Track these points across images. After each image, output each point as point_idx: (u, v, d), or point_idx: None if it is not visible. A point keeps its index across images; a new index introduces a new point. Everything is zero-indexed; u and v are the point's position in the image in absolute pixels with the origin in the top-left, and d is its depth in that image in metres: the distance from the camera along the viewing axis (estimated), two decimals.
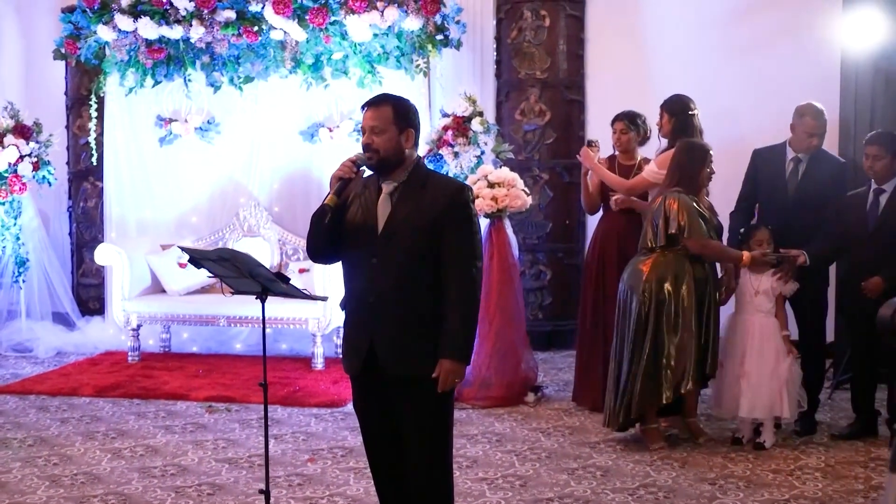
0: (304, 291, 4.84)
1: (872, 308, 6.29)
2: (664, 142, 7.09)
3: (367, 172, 4.24)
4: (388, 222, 4.14)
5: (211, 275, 4.81)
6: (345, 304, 4.34)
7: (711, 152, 6.48)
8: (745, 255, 6.43)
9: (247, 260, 4.57)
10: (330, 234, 4.19)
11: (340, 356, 8.65)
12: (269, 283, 4.58)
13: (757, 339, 6.52)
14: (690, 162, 6.44)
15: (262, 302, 4.66)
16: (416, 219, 4.11)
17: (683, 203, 6.34)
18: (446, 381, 4.10)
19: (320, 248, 4.30)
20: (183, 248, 4.91)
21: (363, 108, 4.27)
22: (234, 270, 4.62)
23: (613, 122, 7.35)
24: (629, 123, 7.31)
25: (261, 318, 8.29)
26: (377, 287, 4.13)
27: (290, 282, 4.59)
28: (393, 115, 4.17)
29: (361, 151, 4.20)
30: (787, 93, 8.15)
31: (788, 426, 6.76)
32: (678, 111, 6.97)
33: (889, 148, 6.49)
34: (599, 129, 8.99)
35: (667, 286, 6.33)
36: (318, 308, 8.41)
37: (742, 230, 6.80)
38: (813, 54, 8.41)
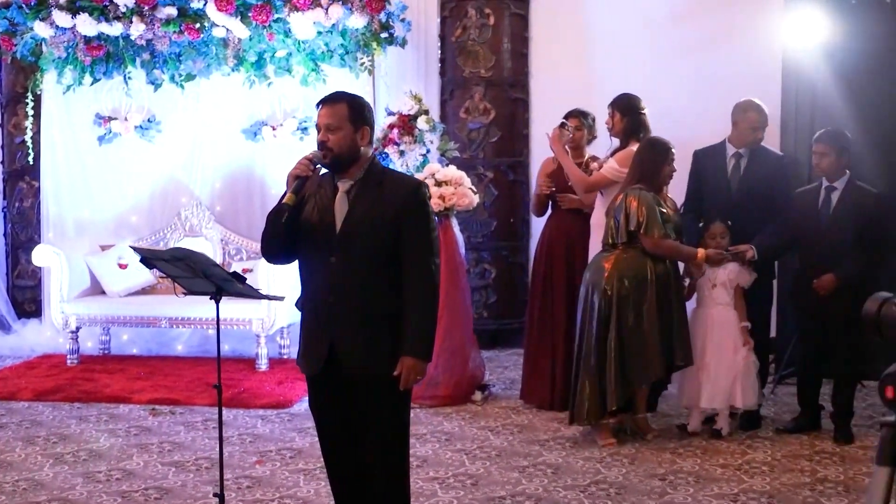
0: (260, 291, 4.76)
1: (823, 305, 6.46)
2: (615, 141, 7.12)
3: (324, 170, 4.19)
4: (346, 221, 4.10)
5: (163, 275, 4.71)
6: (302, 304, 4.28)
7: (673, 150, 6.51)
8: (700, 252, 6.48)
9: (201, 259, 4.50)
10: (286, 233, 4.13)
11: (284, 357, 8.76)
12: (224, 283, 4.52)
13: (716, 332, 6.66)
14: (652, 159, 6.48)
15: (217, 302, 4.59)
16: (374, 217, 4.08)
17: (644, 200, 6.38)
18: (408, 378, 4.08)
19: (276, 248, 4.25)
20: (135, 248, 4.81)
21: (318, 105, 4.21)
22: (188, 270, 4.54)
23: (567, 117, 7.33)
24: (583, 120, 7.32)
25: (202, 319, 8.45)
26: (337, 286, 4.09)
27: (247, 281, 4.51)
28: (348, 112, 4.13)
29: (316, 149, 4.13)
30: (729, 92, 8.18)
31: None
32: (629, 110, 7.01)
33: (835, 145, 6.56)
34: (544, 128, 8.97)
35: (627, 282, 6.37)
36: (263, 309, 8.34)
37: (701, 225, 6.91)
38: (755, 54, 8.47)
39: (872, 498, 2.19)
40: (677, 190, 7.05)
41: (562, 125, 7.22)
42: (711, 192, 7.03)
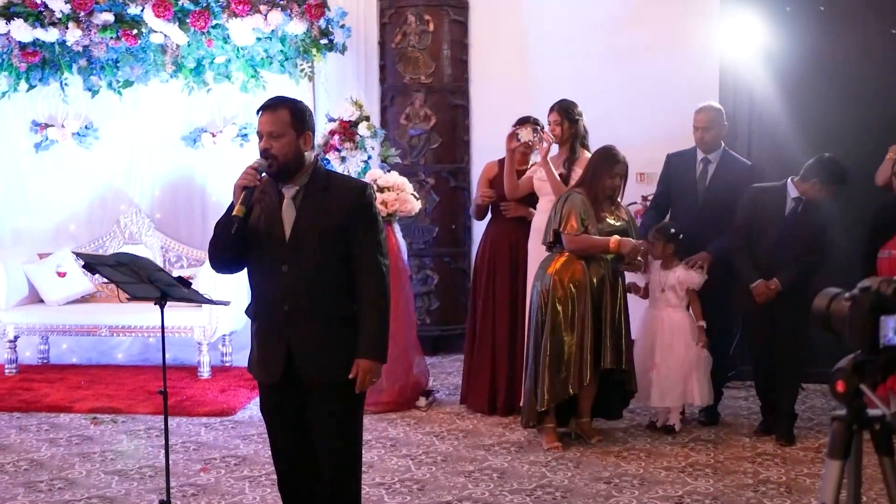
0: (206, 296, 4.73)
1: (767, 306, 6.56)
2: (556, 148, 7.15)
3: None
4: (295, 228, 4.08)
5: (105, 282, 4.66)
6: (254, 312, 4.25)
7: (620, 165, 6.52)
8: (612, 240, 6.47)
9: (146, 265, 4.47)
10: (236, 244, 4.10)
11: (226, 364, 8.71)
12: (169, 288, 4.48)
13: (667, 333, 6.83)
14: (597, 167, 6.54)
15: (161, 308, 4.55)
16: (322, 223, 4.07)
17: (570, 200, 6.49)
18: (364, 380, 4.09)
19: (225, 258, 4.20)
20: (78, 254, 4.77)
21: (259, 112, 4.15)
22: (133, 276, 4.50)
23: (520, 124, 7.26)
24: (535, 124, 7.27)
25: (143, 326, 8.37)
26: (291, 294, 4.07)
27: (192, 286, 4.48)
28: (290, 118, 4.09)
29: (260, 157, 4.09)
30: (668, 98, 8.35)
31: (693, 415, 7.10)
32: (573, 117, 7.07)
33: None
34: (484, 134, 9.08)
35: (563, 288, 6.45)
36: (204, 316, 8.29)
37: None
38: (693, 59, 8.57)
39: (825, 491, 2.24)
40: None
41: (542, 129, 7.16)
42: (679, 194, 7.22)
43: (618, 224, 6.55)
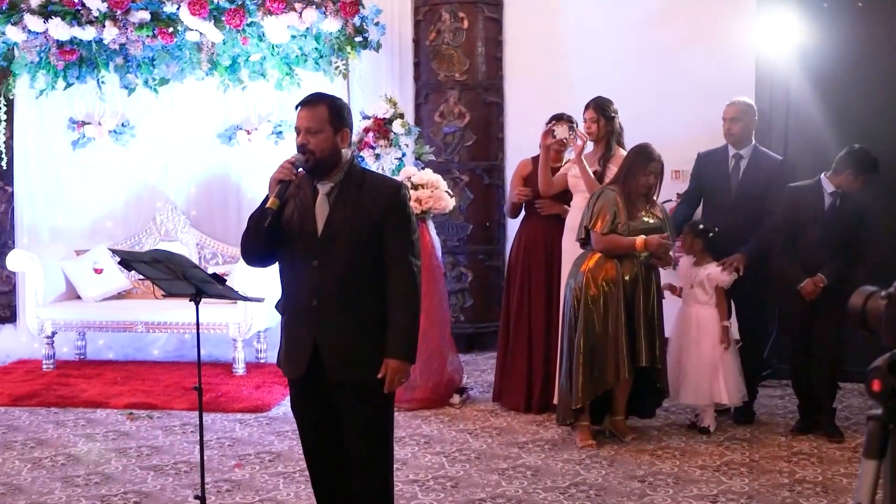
0: (241, 293, 4.74)
1: (809, 304, 6.53)
2: (590, 145, 7.15)
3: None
4: (328, 224, 4.08)
5: (141, 278, 4.69)
6: (283, 307, 4.27)
7: (655, 164, 6.51)
8: (639, 240, 6.46)
9: (181, 261, 4.48)
10: (269, 237, 4.11)
11: (261, 361, 8.75)
12: (204, 285, 4.50)
13: (694, 330, 6.82)
14: (632, 165, 6.52)
15: (196, 304, 4.57)
16: (355, 220, 4.06)
17: (603, 197, 6.49)
18: (393, 381, 4.08)
19: (258, 251, 4.20)
20: (114, 251, 4.80)
21: (297, 107, 4.16)
22: (168, 272, 4.51)
23: (555, 121, 7.27)
24: (570, 122, 7.27)
25: (178, 323, 8.42)
26: (320, 290, 4.07)
27: (227, 283, 4.50)
28: (328, 114, 4.09)
29: (297, 152, 4.11)
30: (703, 95, 8.29)
31: (729, 416, 7.03)
32: (609, 114, 7.06)
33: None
34: (519, 132, 9.07)
35: (596, 286, 6.45)
36: (239, 313, 8.33)
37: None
38: (728, 57, 8.51)
39: (861, 491, 2.22)
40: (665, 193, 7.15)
41: (571, 127, 7.15)
42: (711, 192, 7.22)
43: (652, 222, 6.52)
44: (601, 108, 7.08)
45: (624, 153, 6.84)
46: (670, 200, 7.93)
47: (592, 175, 6.94)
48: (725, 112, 7.11)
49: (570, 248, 6.95)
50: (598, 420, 6.73)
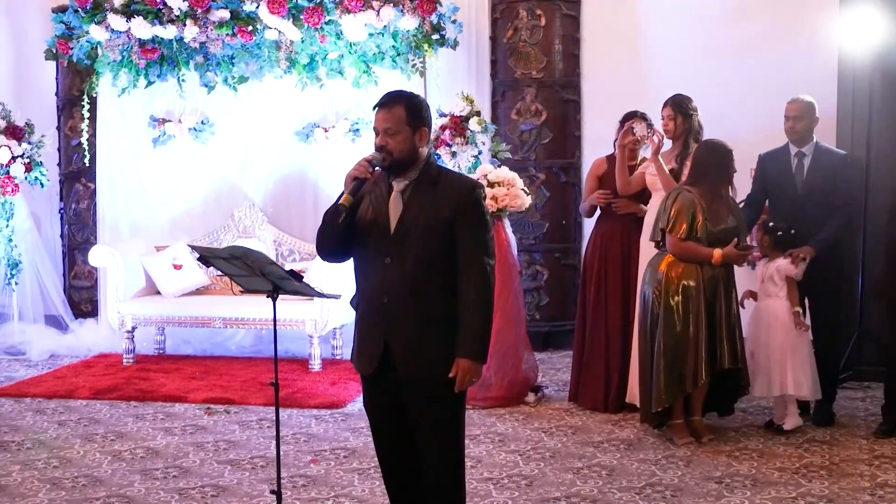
0: (318, 290, 4.77)
1: None
2: (668, 143, 7.09)
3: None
4: (401, 222, 4.09)
5: (219, 275, 4.73)
6: (356, 303, 4.28)
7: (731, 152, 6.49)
8: (716, 253, 6.40)
9: (258, 258, 4.51)
10: (342, 233, 4.13)
11: (337, 357, 8.80)
12: (281, 281, 4.52)
13: (766, 323, 6.77)
14: (712, 163, 6.46)
15: (274, 301, 4.60)
16: (428, 218, 4.06)
17: (681, 199, 6.40)
18: (463, 380, 4.08)
19: (331, 247, 4.23)
20: (192, 247, 4.84)
21: (375, 108, 4.17)
22: (245, 269, 4.55)
23: (628, 119, 7.25)
24: (643, 119, 7.24)
25: (255, 319, 8.50)
26: (391, 287, 4.08)
27: (303, 279, 4.52)
28: (406, 115, 4.09)
29: (374, 151, 4.12)
30: (783, 92, 8.12)
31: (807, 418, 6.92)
32: (688, 111, 6.99)
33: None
34: (596, 130, 9.01)
35: (675, 287, 6.40)
36: (316, 309, 8.38)
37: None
38: (810, 54, 8.37)
39: None
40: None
41: (650, 125, 7.13)
42: (776, 191, 7.12)
43: (731, 225, 6.47)
44: (679, 106, 7.02)
45: None
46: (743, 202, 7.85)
47: (668, 173, 6.88)
48: (788, 110, 7.02)
49: (647, 247, 6.90)
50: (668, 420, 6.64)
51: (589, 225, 8.15)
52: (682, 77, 8.30)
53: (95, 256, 9.11)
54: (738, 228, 6.51)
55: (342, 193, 4.05)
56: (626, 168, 7.18)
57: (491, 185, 7.50)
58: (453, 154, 8.33)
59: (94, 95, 9.53)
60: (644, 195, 7.24)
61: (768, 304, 6.79)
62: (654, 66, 9.01)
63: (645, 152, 7.36)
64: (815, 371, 6.73)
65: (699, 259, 6.42)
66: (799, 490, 5.64)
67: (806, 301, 6.90)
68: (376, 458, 4.47)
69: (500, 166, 7.99)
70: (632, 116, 7.22)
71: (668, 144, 7.13)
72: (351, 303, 4.34)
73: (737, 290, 6.61)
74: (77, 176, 10.28)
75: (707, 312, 6.40)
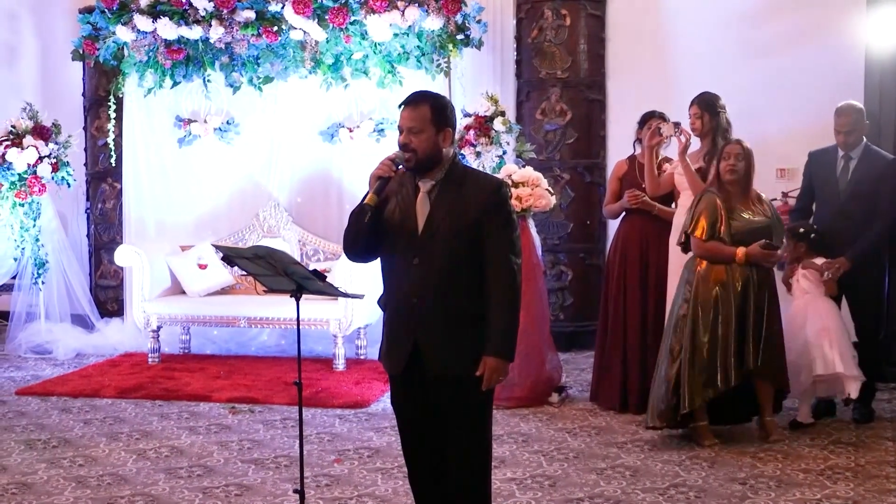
0: (342, 290, 4.77)
1: None
2: (696, 141, 7.06)
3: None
4: (428, 222, 4.11)
5: (243, 274, 4.74)
6: (384, 303, 4.30)
7: (734, 146, 6.45)
8: (739, 252, 6.36)
9: (282, 257, 4.53)
10: (368, 232, 4.14)
11: (361, 357, 8.82)
12: (305, 281, 4.53)
13: (801, 314, 6.81)
14: (715, 159, 6.49)
15: (297, 300, 4.61)
16: (455, 218, 4.08)
17: (704, 200, 6.42)
18: (490, 379, 4.08)
19: (358, 247, 4.24)
20: (217, 247, 4.87)
21: (400, 106, 4.19)
22: (269, 268, 4.57)
23: (648, 118, 7.25)
24: (662, 118, 7.23)
25: (280, 318, 8.51)
26: (420, 287, 4.10)
27: (327, 279, 4.53)
28: (431, 114, 4.11)
29: (399, 150, 4.14)
30: (810, 93, 8.16)
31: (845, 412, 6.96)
32: (715, 110, 6.96)
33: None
34: (621, 130, 8.99)
35: (707, 288, 6.38)
36: (340, 309, 8.40)
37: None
38: (837, 54, 8.35)
39: None
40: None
41: (677, 124, 7.06)
42: (821, 191, 7.11)
43: (758, 220, 6.41)
44: (706, 104, 6.99)
45: None
46: (775, 199, 7.80)
47: (695, 173, 6.85)
48: (839, 124, 6.93)
49: (676, 248, 6.86)
50: (678, 422, 6.59)
51: (614, 225, 8.13)
52: (708, 76, 8.26)
53: (121, 256, 9.16)
54: (771, 226, 6.47)
55: (367, 193, 4.07)
56: (654, 169, 7.15)
57: (515, 185, 7.49)
58: (478, 154, 8.33)
59: (121, 96, 9.58)
60: (671, 196, 7.23)
61: (806, 300, 6.84)
62: (679, 65, 8.99)
63: (666, 151, 7.35)
64: (856, 356, 6.73)
65: (723, 258, 6.39)
66: (824, 492, 5.60)
67: (843, 299, 6.92)
68: (400, 458, 4.49)
69: (524, 166, 7.99)
70: (650, 117, 7.21)
71: (697, 144, 7.10)
72: (378, 303, 4.36)
73: (774, 291, 6.55)
74: (103, 176, 10.34)
75: (738, 314, 6.36)
